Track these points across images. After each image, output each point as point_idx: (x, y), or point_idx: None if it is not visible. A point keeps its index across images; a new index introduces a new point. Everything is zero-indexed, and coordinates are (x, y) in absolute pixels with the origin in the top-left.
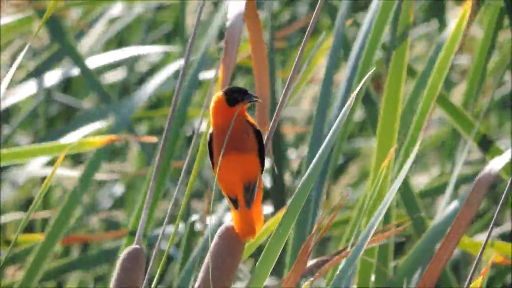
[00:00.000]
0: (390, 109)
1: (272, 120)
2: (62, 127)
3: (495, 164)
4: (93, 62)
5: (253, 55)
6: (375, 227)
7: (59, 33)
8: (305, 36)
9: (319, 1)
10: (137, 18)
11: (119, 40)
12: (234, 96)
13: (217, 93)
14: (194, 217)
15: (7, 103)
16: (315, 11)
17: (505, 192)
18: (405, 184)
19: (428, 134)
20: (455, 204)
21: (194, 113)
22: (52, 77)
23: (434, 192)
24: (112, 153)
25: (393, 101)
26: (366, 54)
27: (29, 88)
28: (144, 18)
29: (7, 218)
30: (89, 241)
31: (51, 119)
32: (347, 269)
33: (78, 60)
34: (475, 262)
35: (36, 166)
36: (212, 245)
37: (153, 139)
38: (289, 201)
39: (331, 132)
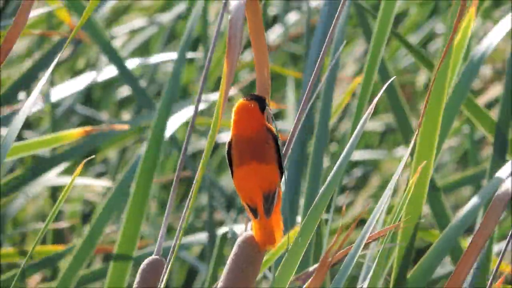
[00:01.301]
0: (430, 125)
1: (292, 129)
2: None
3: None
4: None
5: (253, 47)
6: (371, 228)
7: (95, 32)
8: (325, 44)
9: (340, 5)
10: (159, 29)
11: (140, 52)
12: (263, 105)
13: (241, 101)
14: (224, 229)
15: (32, 110)
16: (336, 16)
17: None
18: (433, 187)
19: (449, 145)
20: (471, 204)
21: (201, 122)
22: (74, 87)
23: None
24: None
25: (434, 114)
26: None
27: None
28: (164, 28)
29: (28, 228)
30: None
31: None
32: (343, 275)
33: (116, 58)
34: (491, 275)
35: (52, 175)
36: (231, 255)
37: (125, 127)
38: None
39: (350, 143)
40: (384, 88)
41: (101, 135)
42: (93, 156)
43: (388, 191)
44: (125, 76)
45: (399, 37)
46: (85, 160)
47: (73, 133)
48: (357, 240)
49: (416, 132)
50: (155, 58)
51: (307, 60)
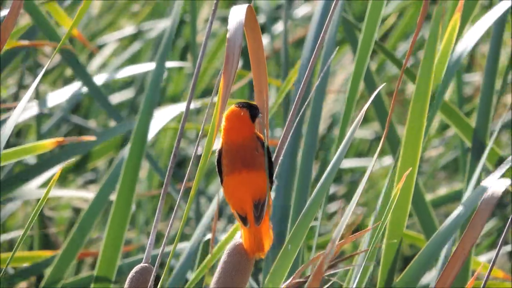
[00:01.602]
0: (413, 131)
1: (281, 138)
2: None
3: (498, 186)
4: (102, 79)
5: (252, 65)
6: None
7: (68, 53)
8: (314, 53)
9: (328, 15)
10: (150, 39)
11: (131, 61)
12: (255, 112)
13: (233, 108)
14: (208, 236)
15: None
16: (325, 26)
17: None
18: (418, 194)
19: (438, 152)
20: (457, 212)
21: (190, 126)
22: (61, 97)
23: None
24: None
25: (417, 123)
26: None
27: (37, 107)
28: (155, 37)
29: (15, 234)
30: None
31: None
32: None
33: (88, 80)
34: (483, 283)
35: (36, 185)
36: (220, 262)
37: (92, 138)
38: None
39: (339, 151)
40: (371, 99)
41: (84, 145)
42: (70, 161)
43: (354, 201)
44: (93, 91)
45: (383, 50)
46: (60, 169)
47: (46, 144)
48: (327, 246)
49: (383, 140)
50: (123, 73)
51: (283, 74)
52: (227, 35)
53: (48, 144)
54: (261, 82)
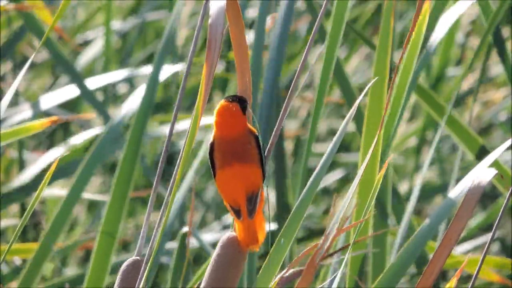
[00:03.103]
0: (373, 121)
1: (273, 133)
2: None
3: (484, 177)
4: (92, 83)
5: (235, 52)
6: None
7: (57, 52)
8: (306, 48)
9: (321, 11)
10: (136, 31)
11: (118, 54)
12: (245, 105)
13: (224, 101)
14: (185, 229)
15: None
16: (317, 22)
17: (503, 207)
18: (393, 189)
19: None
20: (447, 201)
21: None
22: (52, 99)
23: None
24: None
25: (377, 111)
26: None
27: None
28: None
29: (6, 223)
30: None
31: (52, 132)
32: None
33: (78, 80)
34: (472, 279)
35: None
36: (214, 255)
37: (92, 115)
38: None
39: (329, 148)
40: (359, 99)
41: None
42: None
43: (350, 194)
44: (85, 94)
45: (357, 33)
46: (53, 167)
47: (40, 124)
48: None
49: (363, 138)
50: (117, 75)
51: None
52: (209, 21)
53: (41, 124)
54: (243, 65)
